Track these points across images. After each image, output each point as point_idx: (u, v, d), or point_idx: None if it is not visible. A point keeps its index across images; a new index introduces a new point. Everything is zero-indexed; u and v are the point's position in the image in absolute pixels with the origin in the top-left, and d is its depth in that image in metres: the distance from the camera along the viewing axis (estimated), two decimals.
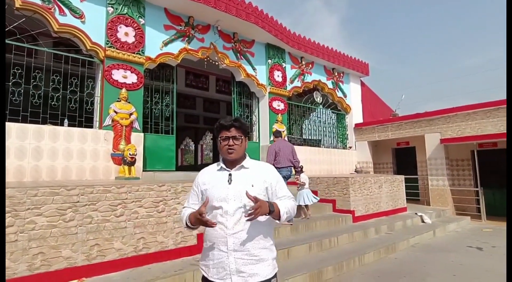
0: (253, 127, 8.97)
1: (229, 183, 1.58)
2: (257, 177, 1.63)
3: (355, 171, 10.52)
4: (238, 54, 8.16)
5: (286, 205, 1.58)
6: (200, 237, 3.98)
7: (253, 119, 8.96)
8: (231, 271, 1.48)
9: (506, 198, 8.82)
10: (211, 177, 1.67)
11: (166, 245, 3.70)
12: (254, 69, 8.51)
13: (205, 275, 1.58)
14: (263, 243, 1.56)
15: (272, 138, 6.23)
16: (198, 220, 1.50)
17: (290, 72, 9.48)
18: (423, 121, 9.42)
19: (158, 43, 6.77)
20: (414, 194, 9.73)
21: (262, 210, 1.44)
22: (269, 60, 8.85)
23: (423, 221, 7.15)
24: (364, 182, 6.71)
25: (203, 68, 11.07)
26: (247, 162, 1.68)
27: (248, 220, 1.46)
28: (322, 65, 10.52)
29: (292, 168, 5.66)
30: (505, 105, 7.90)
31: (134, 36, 6.31)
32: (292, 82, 9.47)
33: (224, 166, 1.65)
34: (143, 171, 6.16)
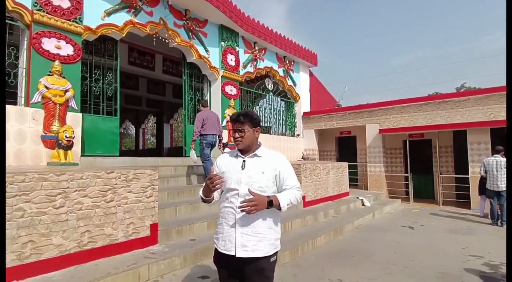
0: None
1: (242, 168, 1.77)
2: (268, 164, 1.78)
3: (302, 158, 10.92)
4: (190, 33, 7.67)
5: (290, 196, 1.73)
6: (153, 228, 3.69)
7: None
8: (236, 245, 1.68)
9: (428, 182, 10.08)
10: (228, 162, 1.85)
11: (116, 237, 3.34)
12: (206, 50, 8.11)
13: (216, 246, 1.81)
14: (268, 223, 1.74)
15: (199, 107, 6.23)
16: (207, 187, 1.72)
17: (243, 57, 9.28)
18: (365, 113, 10.12)
19: (99, 12, 5.97)
20: (354, 179, 10.51)
21: (258, 207, 1.60)
22: (223, 43, 8.52)
23: (363, 204, 7.75)
24: (314, 168, 6.96)
25: (148, 46, 10.24)
26: (260, 150, 1.83)
27: (242, 211, 1.63)
28: (274, 52, 10.52)
29: (217, 136, 6.04)
30: (434, 100, 8.88)
31: (69, 0, 5.45)
32: (245, 67, 9.29)
33: (239, 153, 1.83)
34: (81, 156, 5.48)
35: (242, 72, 9.15)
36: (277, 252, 1.78)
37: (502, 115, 7.87)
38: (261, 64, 9.94)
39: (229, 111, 8.47)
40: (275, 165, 1.79)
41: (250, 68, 9.48)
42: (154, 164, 6.48)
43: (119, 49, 6.72)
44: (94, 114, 6.08)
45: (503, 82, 7.73)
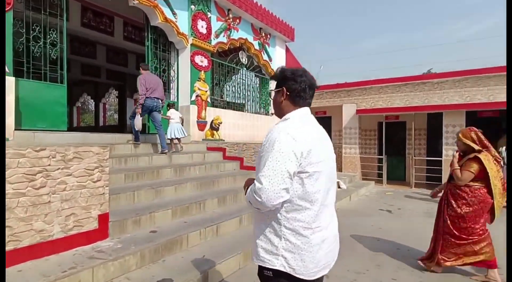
0: (171, 85, 7.72)
1: None
2: None
3: None
4: None
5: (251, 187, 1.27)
6: (102, 219, 2.97)
7: (171, 75, 7.68)
8: None
9: (401, 165, 10.09)
10: None
11: (50, 233, 2.60)
12: (174, 13, 7.10)
13: None
14: (258, 220, 1.36)
15: (140, 71, 5.68)
16: None
17: (216, 25, 8.35)
18: (342, 92, 9.74)
19: None
20: None
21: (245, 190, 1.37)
22: (192, 6, 7.52)
23: (339, 187, 7.48)
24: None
25: (106, 6, 8.92)
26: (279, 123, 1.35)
27: None
28: (249, 23, 9.65)
29: (160, 100, 5.69)
30: (413, 81, 8.65)
31: None
32: (217, 36, 8.38)
33: None
34: (15, 129, 4.49)
35: (214, 42, 8.25)
36: (271, 269, 1.28)
37: (477, 98, 7.82)
38: (235, 35, 9.07)
39: (199, 85, 7.63)
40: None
41: (223, 38, 8.59)
42: (111, 141, 5.61)
43: (70, 7, 5.60)
44: (34, 80, 5.01)
45: (468, 67, 7.80)
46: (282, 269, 1.23)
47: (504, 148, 6.37)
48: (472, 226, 3.06)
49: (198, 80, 7.65)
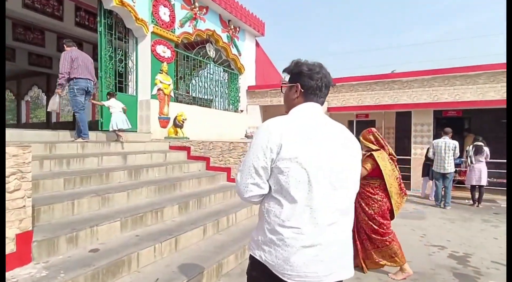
0: (129, 77, 6.95)
1: None
2: None
3: (246, 136, 9.96)
4: None
5: None
6: (22, 239, 2.30)
7: (129, 65, 6.91)
8: None
9: None
10: None
11: None
12: None
13: None
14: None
15: (65, 48, 5.02)
16: None
17: (180, 13, 7.68)
18: None
19: None
20: None
21: None
22: None
23: None
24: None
25: None
26: None
27: None
28: (217, 14, 9.08)
29: (92, 83, 5.08)
30: (384, 79, 8.58)
31: None
32: (182, 25, 7.72)
33: None
34: None
35: (178, 31, 7.58)
36: (252, 257, 1.26)
37: (445, 97, 7.91)
38: (202, 26, 8.46)
39: (161, 78, 6.95)
40: None
41: (188, 28, 7.94)
42: (52, 139, 4.81)
43: None
44: None
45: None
46: (260, 259, 1.20)
47: (470, 146, 6.43)
48: (383, 222, 3.11)
49: (160, 73, 6.96)
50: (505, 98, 7.32)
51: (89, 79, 4.93)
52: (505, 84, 7.28)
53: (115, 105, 5.56)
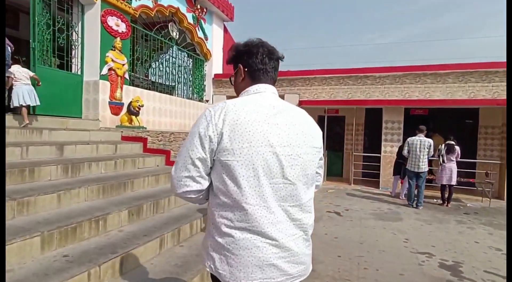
0: (72, 52, 5.81)
1: None
2: None
3: None
4: None
5: None
6: None
7: (73, 38, 5.77)
8: None
9: (338, 160, 9.86)
10: None
11: None
12: None
13: None
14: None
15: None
16: None
17: None
18: (285, 81, 8.96)
19: None
20: None
21: None
22: None
23: None
24: None
25: None
26: None
27: None
28: None
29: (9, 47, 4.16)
30: (356, 74, 8.30)
31: None
32: None
33: None
34: None
35: (135, 4, 6.55)
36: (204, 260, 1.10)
37: (415, 95, 7.84)
38: (165, 1, 7.46)
39: (114, 55, 5.91)
40: None
41: (148, 2, 6.92)
42: None
43: None
44: None
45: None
46: (210, 271, 1.05)
47: (442, 145, 6.34)
48: None
49: (112, 50, 5.92)
50: (472, 99, 7.41)
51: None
52: (473, 84, 7.35)
53: (19, 75, 4.44)
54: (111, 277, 2.24)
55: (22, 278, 1.89)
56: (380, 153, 8.19)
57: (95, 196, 3.21)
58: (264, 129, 0.98)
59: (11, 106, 4.47)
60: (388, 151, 7.92)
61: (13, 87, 4.42)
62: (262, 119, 1.00)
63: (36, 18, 4.98)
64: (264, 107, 1.03)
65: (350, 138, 9.60)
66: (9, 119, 4.29)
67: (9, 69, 4.39)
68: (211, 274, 1.06)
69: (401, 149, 6.67)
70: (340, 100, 8.36)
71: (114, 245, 2.50)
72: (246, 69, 1.12)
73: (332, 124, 9.44)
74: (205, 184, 1.02)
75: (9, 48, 3.81)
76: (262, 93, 1.09)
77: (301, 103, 8.60)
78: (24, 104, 4.39)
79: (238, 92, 1.18)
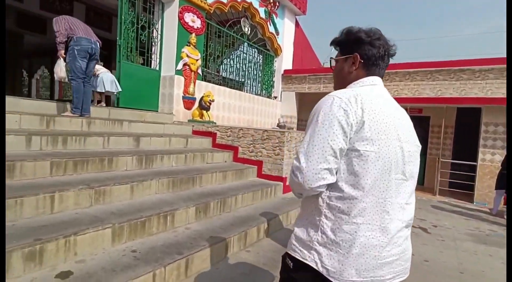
0: (153, 49, 6.10)
1: None
2: None
3: (278, 125, 8.91)
4: None
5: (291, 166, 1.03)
6: None
7: (154, 35, 6.05)
8: None
9: (420, 166, 8.69)
10: None
11: None
12: None
13: None
14: (302, 210, 1.13)
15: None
16: None
17: None
18: None
19: None
20: None
21: None
22: None
23: None
24: (301, 140, 4.98)
25: None
26: None
27: None
28: None
29: (99, 45, 4.18)
30: (449, 67, 7.13)
31: None
32: None
33: None
34: None
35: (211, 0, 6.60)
36: (295, 260, 1.03)
37: None
38: None
39: (189, 51, 6.03)
40: None
41: None
42: (50, 112, 4.05)
43: None
44: None
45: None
46: (313, 265, 0.98)
47: None
48: None
49: (187, 45, 6.04)
50: None
51: (93, 40, 4.03)
52: None
53: (100, 68, 5.41)
54: (176, 279, 2.10)
55: (91, 271, 1.85)
56: (475, 161, 6.92)
57: (165, 189, 3.19)
58: (395, 122, 0.99)
59: (97, 91, 5.40)
60: (488, 159, 6.63)
61: (98, 75, 5.34)
62: (391, 112, 1.00)
63: (123, 17, 5.31)
64: (387, 100, 1.03)
65: (436, 142, 8.37)
66: (96, 110, 4.62)
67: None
68: (302, 265, 1.00)
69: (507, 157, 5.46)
70: (427, 98, 7.28)
71: (180, 244, 2.37)
72: (362, 60, 1.08)
73: (414, 126, 8.34)
74: (335, 177, 0.97)
75: (98, 43, 4.09)
76: (378, 86, 1.07)
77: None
78: (108, 90, 5.30)
79: (344, 80, 1.12)
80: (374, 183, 0.93)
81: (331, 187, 0.98)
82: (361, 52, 1.07)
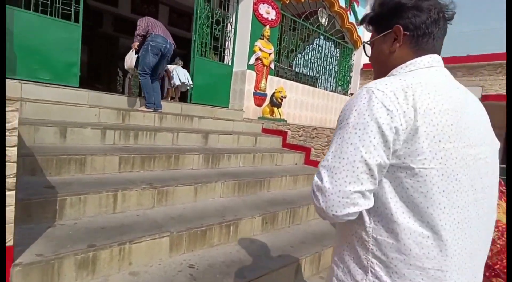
0: (226, 44, 5.98)
1: None
2: None
3: None
4: None
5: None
6: None
7: (228, 29, 5.92)
8: None
9: None
10: None
11: None
12: None
13: None
14: (339, 239, 0.85)
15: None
16: None
17: None
18: (462, 69, 6.85)
19: None
20: None
21: None
22: None
23: None
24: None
25: None
26: None
27: None
28: None
29: (173, 47, 4.21)
30: None
31: None
32: None
33: None
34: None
35: None
36: None
37: None
38: None
39: (262, 44, 5.73)
40: None
41: None
42: (127, 107, 4.14)
43: None
44: (28, 10, 3.68)
45: None
46: None
47: None
48: None
49: (260, 38, 5.76)
50: None
51: (169, 40, 4.11)
52: None
53: (171, 66, 5.82)
54: None
55: None
56: None
57: (230, 193, 2.92)
58: (463, 122, 0.70)
59: (172, 85, 5.77)
60: None
61: (172, 71, 5.76)
62: (458, 107, 0.71)
63: (198, 12, 5.27)
64: (452, 89, 0.73)
65: None
66: (169, 105, 4.65)
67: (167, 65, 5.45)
68: None
69: None
70: None
71: (242, 262, 2.03)
72: (407, 33, 0.78)
73: None
74: (372, 201, 0.71)
75: (173, 46, 4.16)
76: (438, 69, 0.77)
77: (485, 99, 6.37)
78: (183, 82, 5.63)
79: (383, 67, 0.84)
80: (443, 211, 0.68)
81: (376, 213, 0.72)
82: (404, 22, 0.78)
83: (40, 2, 3.73)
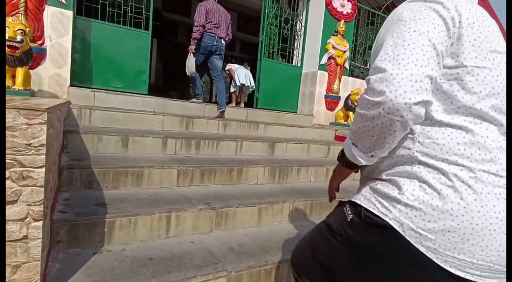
0: (295, 43, 5.53)
1: None
2: None
3: None
4: None
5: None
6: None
7: (297, 27, 5.47)
8: None
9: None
10: None
11: None
12: None
13: None
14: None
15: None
16: None
17: None
18: None
19: None
20: None
21: None
22: None
23: None
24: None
25: None
26: None
27: None
28: None
29: (222, 40, 4.03)
30: None
31: None
32: None
33: None
34: (71, 85, 3.34)
35: None
36: (357, 211, 0.82)
37: None
38: None
39: (335, 41, 5.13)
40: None
41: None
42: (192, 114, 3.97)
43: None
44: (103, 21, 3.77)
45: None
46: (395, 225, 0.67)
47: None
48: None
49: (334, 35, 5.16)
50: None
51: (216, 37, 3.88)
52: None
53: (236, 66, 5.68)
54: None
55: None
56: None
57: (301, 216, 2.44)
58: (492, 27, 0.71)
59: (233, 88, 5.56)
60: None
61: (234, 71, 5.59)
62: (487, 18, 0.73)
63: (266, 11, 4.95)
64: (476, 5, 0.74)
65: None
66: (235, 111, 4.40)
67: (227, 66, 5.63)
68: (364, 217, 0.76)
69: None
70: None
71: None
72: None
73: None
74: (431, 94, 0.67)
75: (223, 40, 3.96)
76: None
77: None
78: (244, 84, 5.44)
79: None
80: (492, 108, 0.66)
81: (427, 118, 0.68)
82: None
83: (115, 13, 3.82)
